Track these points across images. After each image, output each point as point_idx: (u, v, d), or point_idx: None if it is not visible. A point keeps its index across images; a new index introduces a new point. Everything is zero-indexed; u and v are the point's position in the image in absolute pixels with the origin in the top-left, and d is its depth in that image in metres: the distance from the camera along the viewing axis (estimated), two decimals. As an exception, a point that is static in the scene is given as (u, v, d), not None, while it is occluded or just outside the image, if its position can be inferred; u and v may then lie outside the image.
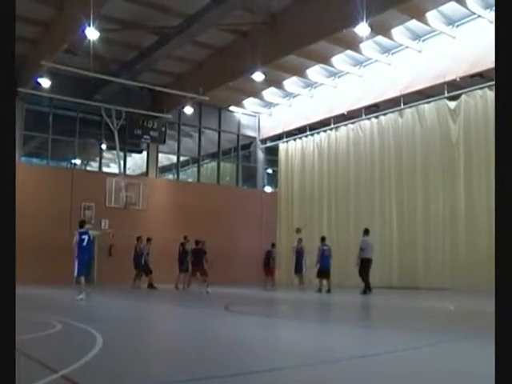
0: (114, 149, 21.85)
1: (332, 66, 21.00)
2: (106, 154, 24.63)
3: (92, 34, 15.39)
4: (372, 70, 21.05)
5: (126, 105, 21.27)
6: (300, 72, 21.69)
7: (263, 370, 4.16)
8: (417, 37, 18.98)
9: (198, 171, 26.20)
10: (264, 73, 19.76)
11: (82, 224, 13.01)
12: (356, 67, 21.41)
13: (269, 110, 26.65)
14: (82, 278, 12.55)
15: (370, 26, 14.81)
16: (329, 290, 16.79)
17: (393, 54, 20.15)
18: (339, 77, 22.44)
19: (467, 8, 16.59)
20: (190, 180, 27.01)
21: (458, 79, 17.95)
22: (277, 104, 25.91)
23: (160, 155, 25.17)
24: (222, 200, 24.99)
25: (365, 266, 15.98)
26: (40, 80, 19.42)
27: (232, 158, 27.48)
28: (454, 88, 18.52)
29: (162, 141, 23.77)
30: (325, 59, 20.32)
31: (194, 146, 26.15)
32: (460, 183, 18.23)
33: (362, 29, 14.88)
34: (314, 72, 21.96)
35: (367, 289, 15.79)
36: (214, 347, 5.46)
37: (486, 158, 16.97)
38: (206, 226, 22.47)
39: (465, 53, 17.71)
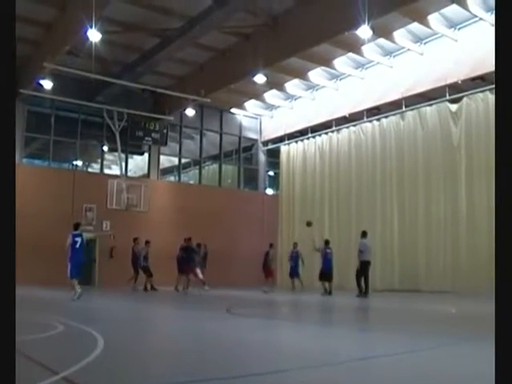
0: (116, 150, 21.86)
1: (334, 68, 21.01)
2: (107, 156, 24.65)
3: (94, 35, 15.42)
4: (374, 72, 21.05)
5: (127, 107, 21.28)
6: (302, 74, 21.70)
7: (266, 372, 4.16)
8: (418, 39, 18.97)
9: (200, 173, 26.21)
10: (266, 75, 19.78)
11: (76, 226, 13.09)
12: (358, 70, 21.42)
13: (270, 113, 26.66)
14: (74, 280, 12.59)
15: (372, 28, 14.81)
16: (330, 293, 16.79)
17: (394, 56, 20.15)
18: (341, 79, 22.45)
19: (469, 11, 16.58)
20: (191, 182, 27.01)
21: (459, 82, 17.95)
22: (278, 106, 25.92)
23: (161, 157, 25.18)
24: (223, 202, 24.99)
25: (364, 268, 15.98)
26: (42, 81, 19.45)
27: (233, 160, 27.49)
28: (455, 91, 18.51)
29: (163, 143, 23.79)
30: (326, 62, 20.33)
31: (195, 148, 26.17)
32: (461, 186, 18.21)
33: (364, 31, 14.87)
34: (316, 74, 21.97)
35: (361, 292, 15.71)
36: (216, 349, 5.45)
37: (487, 161, 16.95)
38: (208, 229, 22.47)
39: (466, 56, 17.71)
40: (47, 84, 19.54)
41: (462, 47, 17.92)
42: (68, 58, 18.49)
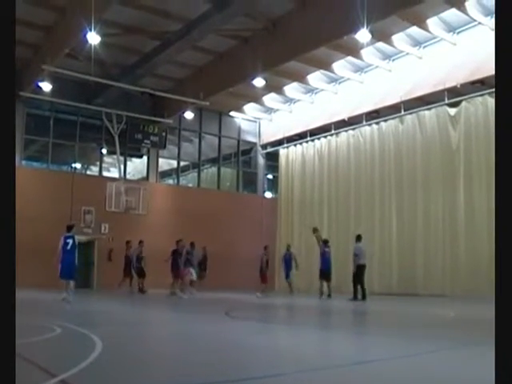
0: (115, 153, 21.87)
1: (333, 71, 21.06)
2: (106, 159, 24.66)
3: (93, 38, 15.46)
4: (373, 76, 21.10)
5: (126, 109, 21.31)
6: (301, 78, 21.74)
7: (265, 376, 4.15)
8: (417, 43, 19.03)
9: (199, 176, 26.21)
10: (265, 78, 19.82)
11: (69, 229, 13.08)
12: (357, 73, 21.46)
13: (269, 116, 26.69)
14: (65, 282, 12.57)
15: (371, 32, 14.87)
16: (329, 295, 16.77)
17: (393, 60, 20.21)
18: (340, 83, 22.49)
19: (468, 15, 16.64)
20: (190, 185, 27.01)
21: (458, 86, 18.00)
22: (277, 110, 25.95)
23: (160, 160, 25.19)
24: (222, 205, 24.99)
25: (359, 272, 16.00)
26: (41, 84, 19.47)
27: (232, 163, 27.50)
28: (454, 95, 18.56)
29: (162, 146, 23.80)
30: (325, 65, 20.38)
31: (194, 151, 26.18)
32: (460, 190, 18.24)
33: (363, 35, 14.92)
34: (315, 78, 22.01)
35: (356, 297, 15.70)
36: (214, 352, 5.43)
37: (486, 165, 16.99)
38: (207, 232, 22.46)
39: (465, 59, 17.76)
40: (46, 86, 19.55)
41: (460, 51, 17.98)
42: (67, 60, 18.52)
